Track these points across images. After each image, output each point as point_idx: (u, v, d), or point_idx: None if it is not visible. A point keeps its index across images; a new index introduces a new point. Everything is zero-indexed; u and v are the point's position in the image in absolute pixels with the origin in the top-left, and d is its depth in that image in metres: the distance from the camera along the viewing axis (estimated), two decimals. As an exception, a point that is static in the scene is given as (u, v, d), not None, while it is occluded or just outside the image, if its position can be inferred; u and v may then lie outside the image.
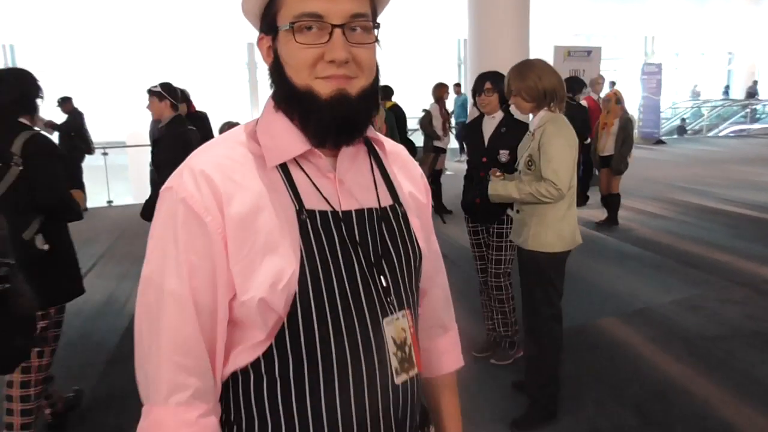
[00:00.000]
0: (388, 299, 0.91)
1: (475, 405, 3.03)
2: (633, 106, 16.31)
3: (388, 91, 7.03)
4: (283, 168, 0.88)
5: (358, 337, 0.88)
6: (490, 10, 7.25)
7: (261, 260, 0.84)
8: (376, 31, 0.87)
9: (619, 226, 6.50)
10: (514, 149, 3.02)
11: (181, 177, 0.86)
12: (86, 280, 5.39)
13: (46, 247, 2.40)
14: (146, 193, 9.55)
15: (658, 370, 3.30)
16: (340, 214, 0.89)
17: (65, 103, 8.55)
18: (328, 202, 0.89)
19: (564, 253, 2.79)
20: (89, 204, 8.96)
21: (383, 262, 0.92)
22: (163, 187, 0.88)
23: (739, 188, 8.50)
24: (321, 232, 0.87)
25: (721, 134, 18.36)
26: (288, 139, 0.88)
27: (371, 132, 0.96)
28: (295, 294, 0.84)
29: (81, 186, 8.57)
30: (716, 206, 7.42)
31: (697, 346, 3.56)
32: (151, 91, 3.86)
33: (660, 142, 15.12)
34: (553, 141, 2.66)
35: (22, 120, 2.49)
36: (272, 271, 0.84)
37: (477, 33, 7.48)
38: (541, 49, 10.40)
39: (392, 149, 1.02)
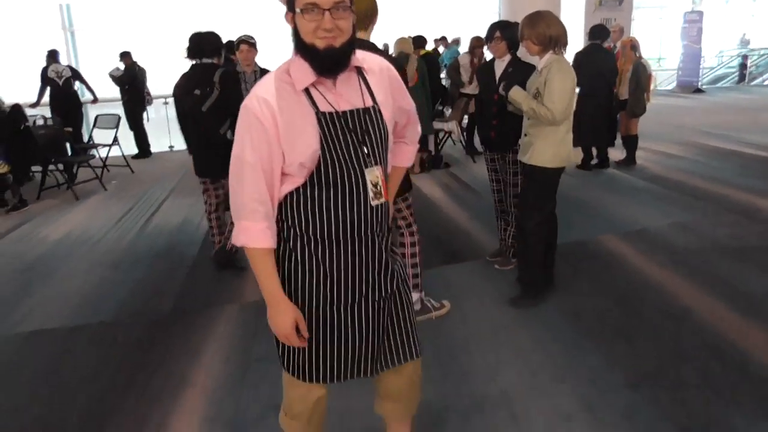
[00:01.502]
0: (368, 159, 1.65)
1: (487, 292, 3.79)
2: (676, 55, 16.35)
3: (420, 41, 7.60)
4: (306, 89, 1.61)
5: (352, 177, 1.63)
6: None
7: (298, 141, 1.59)
8: (351, 7, 1.56)
9: (636, 166, 7.03)
10: (519, 84, 3.64)
11: (251, 100, 1.60)
12: (163, 207, 6.39)
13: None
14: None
15: (642, 273, 3.97)
16: (340, 112, 1.62)
17: (125, 57, 9.37)
18: (333, 106, 1.62)
19: (559, 168, 3.46)
20: (153, 149, 9.93)
21: (366, 138, 1.65)
22: (242, 105, 1.62)
23: (763, 133, 8.81)
24: (329, 124, 1.60)
25: (765, 83, 18.16)
26: (306, 73, 1.60)
27: (356, 61, 1.65)
28: (319, 157, 1.60)
29: (143, 130, 9.54)
30: (734, 148, 7.82)
31: (680, 257, 4.19)
32: (249, 42, 4.76)
33: (698, 90, 15.18)
34: (556, 77, 3.30)
35: (215, 61, 4.14)
36: (304, 146, 1.59)
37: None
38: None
39: (371, 69, 1.71)
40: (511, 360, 2.99)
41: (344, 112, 1.62)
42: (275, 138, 1.58)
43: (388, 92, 1.74)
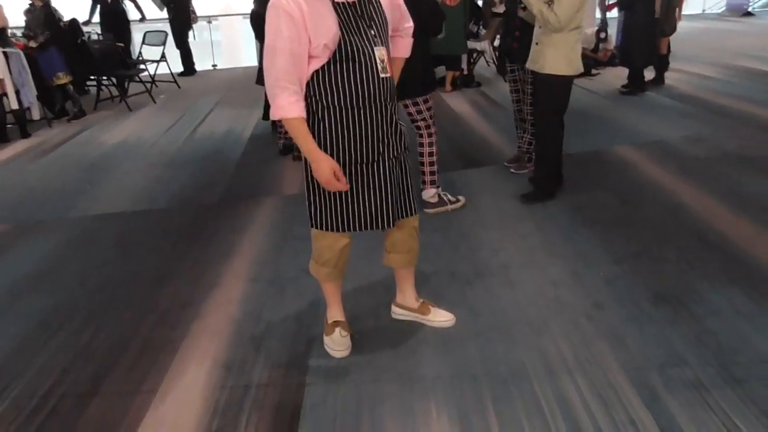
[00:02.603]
0: (375, 39, 2.05)
1: (500, 190, 4.17)
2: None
3: (458, -41, 7.66)
4: None
5: (364, 54, 2.02)
6: None
7: (321, 27, 1.96)
8: None
9: (664, 85, 7.13)
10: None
11: (280, 4, 1.94)
12: (210, 116, 6.90)
13: None
14: (240, 59, 10.89)
15: (647, 176, 4.27)
16: (350, 2, 2.01)
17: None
18: None
19: (571, 76, 3.73)
20: (198, 68, 10.36)
21: (372, 23, 2.04)
22: (270, 5, 1.97)
23: (805, 55, 8.68)
24: (344, 11, 2.00)
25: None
26: None
27: None
28: (339, 38, 1.97)
29: (188, 49, 9.99)
30: (770, 70, 7.79)
31: (688, 163, 4.46)
32: None
33: (748, 14, 14.65)
34: None
35: None
36: (326, 30, 1.97)
37: None
38: None
39: None
40: (513, 241, 3.40)
41: (353, 2, 2.02)
42: (303, 26, 1.94)
43: None
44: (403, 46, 2.35)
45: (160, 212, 4.18)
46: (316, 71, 2.04)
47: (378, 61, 2.04)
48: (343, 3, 1.99)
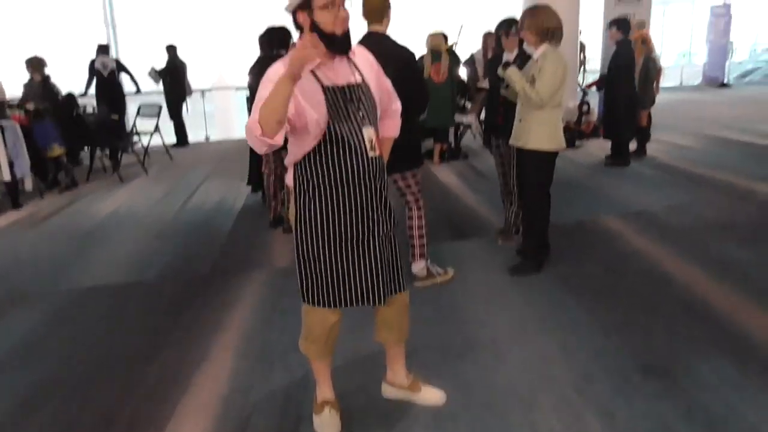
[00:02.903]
0: (364, 120, 2.14)
1: (489, 262, 4.22)
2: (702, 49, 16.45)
3: (444, 38, 8.03)
4: (312, 70, 2.07)
5: (353, 135, 2.12)
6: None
7: (311, 101, 2.06)
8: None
9: (646, 157, 7.34)
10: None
11: (269, 77, 2.03)
12: (202, 188, 6.98)
13: None
14: (232, 131, 11.11)
15: (631, 246, 4.36)
16: (339, 87, 2.11)
17: (170, 50, 10.03)
18: (333, 82, 2.10)
19: (555, 152, 3.85)
20: (191, 139, 10.55)
21: (360, 105, 2.14)
22: (261, 81, 2.05)
23: (778, 125, 9.02)
24: (333, 95, 2.09)
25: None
26: None
27: None
28: (328, 120, 2.07)
29: (182, 121, 10.19)
30: (746, 139, 8.07)
31: (670, 233, 4.56)
32: None
33: (724, 85, 15.25)
34: (548, 67, 3.69)
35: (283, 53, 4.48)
36: (316, 108, 2.06)
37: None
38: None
39: (358, 54, 2.22)
40: (502, 313, 3.42)
41: (342, 87, 2.12)
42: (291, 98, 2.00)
43: (371, 72, 2.24)
44: (391, 127, 2.45)
45: (151, 283, 4.19)
46: (307, 153, 2.13)
47: (366, 141, 2.13)
48: (332, 87, 2.09)
